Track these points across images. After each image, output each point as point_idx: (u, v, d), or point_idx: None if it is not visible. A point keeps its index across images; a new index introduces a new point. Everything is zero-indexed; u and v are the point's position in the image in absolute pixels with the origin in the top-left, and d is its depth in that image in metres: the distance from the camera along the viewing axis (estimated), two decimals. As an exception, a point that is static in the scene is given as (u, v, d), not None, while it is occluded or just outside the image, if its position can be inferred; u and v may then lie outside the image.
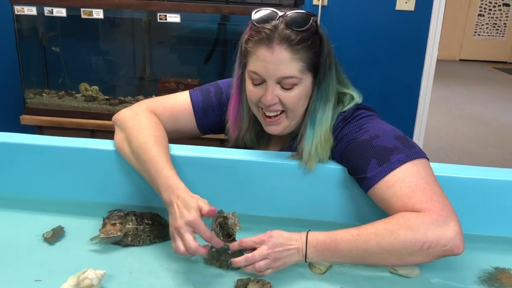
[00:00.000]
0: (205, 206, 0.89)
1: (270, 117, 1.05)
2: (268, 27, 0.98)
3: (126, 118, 1.11)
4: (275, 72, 0.99)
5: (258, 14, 1.01)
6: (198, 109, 1.18)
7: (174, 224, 0.89)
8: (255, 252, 0.88)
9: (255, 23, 1.01)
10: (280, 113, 1.04)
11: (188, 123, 1.18)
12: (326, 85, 1.03)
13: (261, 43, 0.99)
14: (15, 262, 0.92)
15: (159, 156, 1.00)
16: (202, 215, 0.89)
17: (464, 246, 0.88)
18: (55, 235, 1.00)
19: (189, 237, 0.86)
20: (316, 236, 0.91)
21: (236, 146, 1.19)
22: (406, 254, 0.88)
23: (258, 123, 1.12)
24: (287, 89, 1.01)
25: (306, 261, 0.92)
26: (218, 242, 0.90)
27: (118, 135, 1.12)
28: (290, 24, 0.98)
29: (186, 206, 0.88)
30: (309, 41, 1.00)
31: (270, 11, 1.01)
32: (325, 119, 1.04)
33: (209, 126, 1.21)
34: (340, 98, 1.09)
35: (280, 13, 1.00)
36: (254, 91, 1.04)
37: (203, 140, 1.27)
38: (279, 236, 0.90)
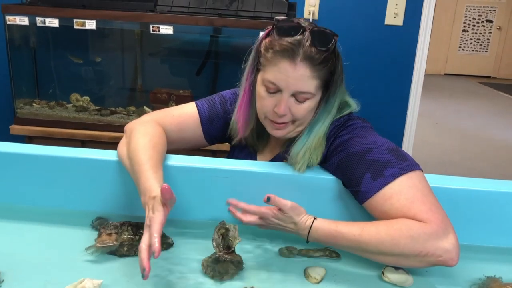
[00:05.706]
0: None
1: (277, 123, 1.07)
2: (292, 42, 0.98)
3: (135, 126, 1.15)
4: (294, 86, 1.01)
5: (282, 23, 1.01)
6: (205, 117, 1.21)
7: None
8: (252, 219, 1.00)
9: (278, 33, 1.00)
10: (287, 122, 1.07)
11: (195, 132, 1.21)
12: (333, 100, 1.07)
13: (283, 56, 0.99)
14: (9, 273, 0.91)
15: (147, 160, 1.00)
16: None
17: (459, 259, 0.90)
18: None
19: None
20: (321, 224, 0.97)
21: (239, 144, 1.22)
22: (402, 258, 0.92)
23: (259, 124, 1.15)
24: (300, 102, 1.03)
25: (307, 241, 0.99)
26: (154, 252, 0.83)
27: (122, 140, 1.15)
28: (316, 42, 0.99)
29: (152, 208, 0.88)
30: (329, 62, 1.01)
31: (295, 23, 1.00)
32: (322, 128, 1.07)
33: (215, 134, 1.23)
34: (338, 106, 1.11)
35: (305, 25, 1.00)
36: (268, 100, 1.05)
37: (195, 151, 1.29)
38: (281, 216, 0.98)
